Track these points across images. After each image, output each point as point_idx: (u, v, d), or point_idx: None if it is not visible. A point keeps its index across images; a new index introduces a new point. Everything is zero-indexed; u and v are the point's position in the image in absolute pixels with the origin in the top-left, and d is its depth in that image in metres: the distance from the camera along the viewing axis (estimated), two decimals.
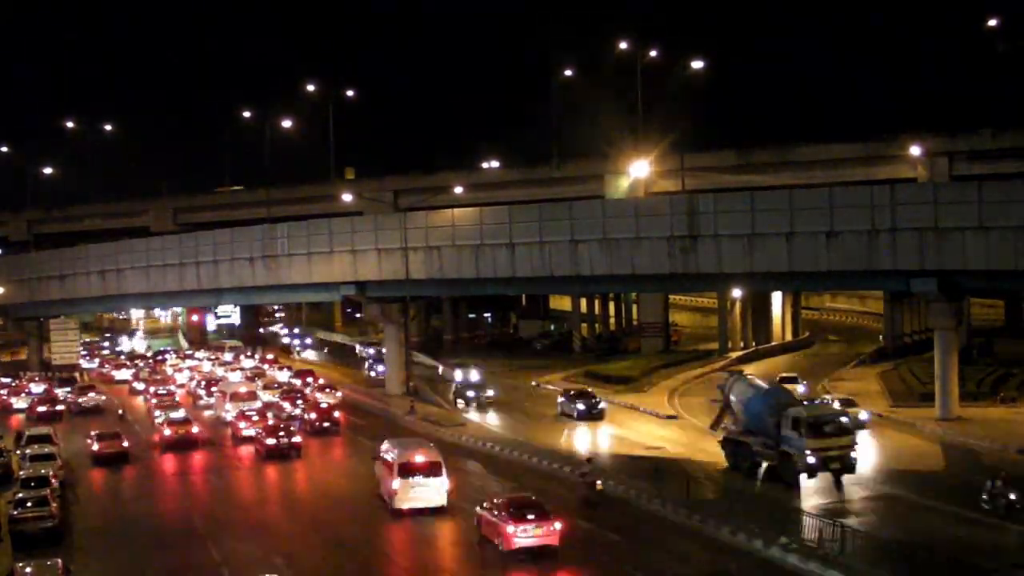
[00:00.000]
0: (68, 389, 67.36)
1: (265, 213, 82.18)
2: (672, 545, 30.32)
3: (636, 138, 73.90)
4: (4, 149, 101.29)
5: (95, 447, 45.12)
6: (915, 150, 65.66)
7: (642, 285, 64.76)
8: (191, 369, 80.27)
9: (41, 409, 59.08)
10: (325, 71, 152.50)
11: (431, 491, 34.26)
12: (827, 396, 52.85)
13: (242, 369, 77.47)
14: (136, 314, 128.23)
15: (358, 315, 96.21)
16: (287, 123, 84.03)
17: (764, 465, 37.71)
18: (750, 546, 29.35)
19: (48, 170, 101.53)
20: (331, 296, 73.64)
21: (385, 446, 37.01)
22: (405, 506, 34.15)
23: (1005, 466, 36.03)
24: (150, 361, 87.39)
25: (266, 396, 58.92)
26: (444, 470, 34.74)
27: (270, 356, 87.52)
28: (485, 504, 31.21)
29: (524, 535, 28.60)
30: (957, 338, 51.63)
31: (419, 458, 34.85)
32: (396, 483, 34.18)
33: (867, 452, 43.71)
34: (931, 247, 44.16)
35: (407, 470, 34.37)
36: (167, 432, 48.05)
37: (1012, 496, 31.24)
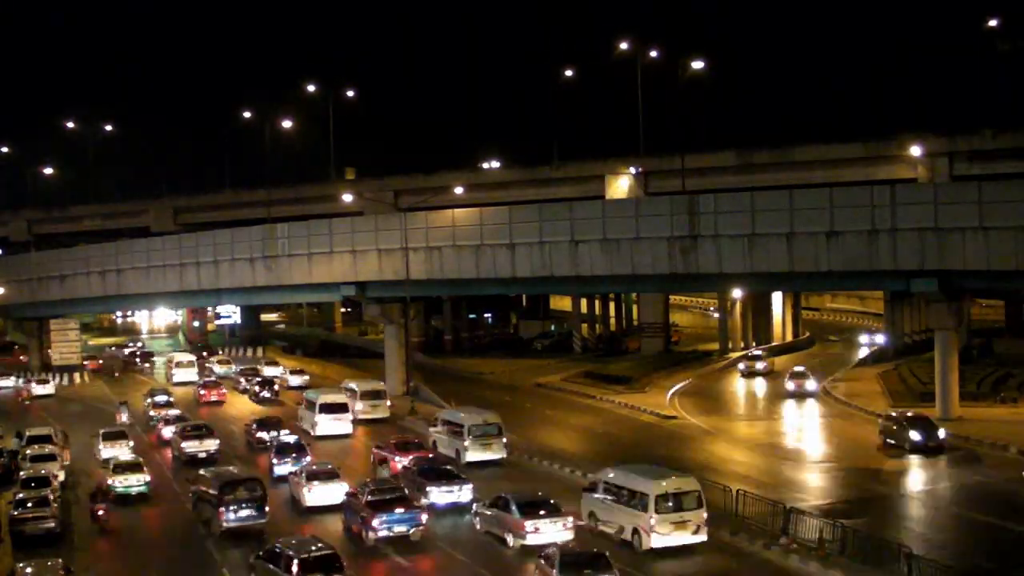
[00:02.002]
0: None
1: (265, 213, 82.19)
2: None
3: (636, 138, 74.06)
4: (4, 149, 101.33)
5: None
6: (915, 150, 65.71)
7: (642, 285, 64.78)
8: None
9: None
10: (325, 71, 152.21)
11: (342, 423, 49.00)
12: None
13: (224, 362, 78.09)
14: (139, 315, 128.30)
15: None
16: (287, 123, 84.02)
17: None
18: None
19: (48, 170, 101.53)
20: (331, 296, 73.69)
21: (309, 394, 52.59)
22: (324, 432, 48.11)
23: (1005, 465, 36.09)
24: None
25: (220, 370, 71.87)
26: (351, 409, 49.88)
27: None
28: (379, 444, 42.21)
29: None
30: (957, 338, 51.63)
31: (334, 399, 49.98)
32: (316, 417, 48.69)
33: (868, 452, 43.94)
34: (931, 247, 44.17)
35: (326, 409, 48.79)
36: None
37: None
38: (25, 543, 31.44)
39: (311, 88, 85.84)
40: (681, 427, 51.07)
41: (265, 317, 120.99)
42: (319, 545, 26.79)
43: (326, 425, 48.66)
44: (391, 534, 30.12)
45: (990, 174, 60.00)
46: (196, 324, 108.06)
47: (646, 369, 69.29)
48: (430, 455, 40.04)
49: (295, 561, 25.56)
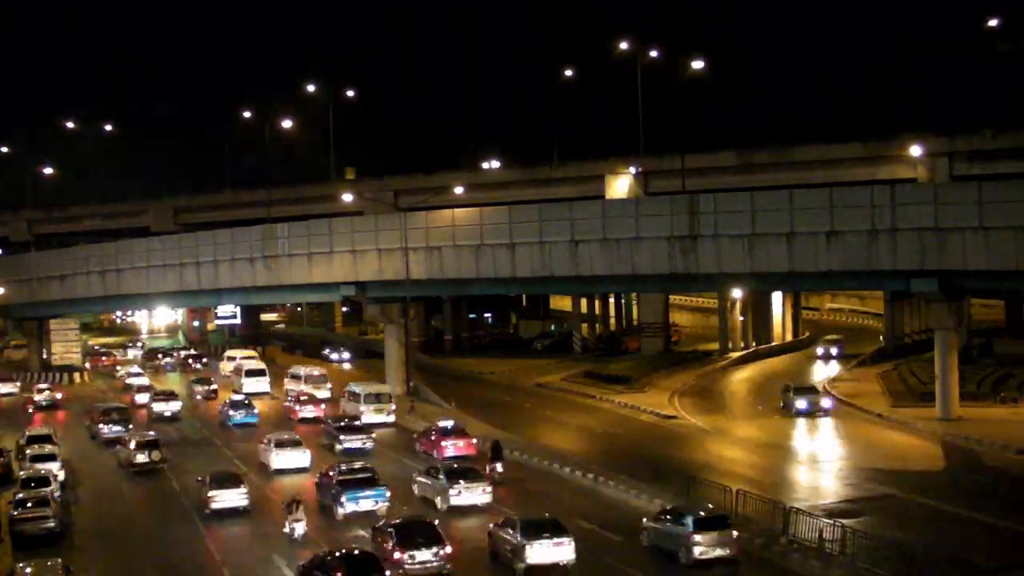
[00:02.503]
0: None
1: (265, 213, 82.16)
2: None
3: (636, 138, 74.04)
4: (4, 149, 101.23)
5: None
6: (915, 150, 65.66)
7: (642, 285, 64.77)
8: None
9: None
10: (325, 71, 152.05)
11: (262, 383, 64.83)
12: None
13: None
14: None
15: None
16: (287, 123, 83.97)
17: None
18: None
19: (48, 170, 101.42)
20: (331, 296, 73.66)
21: (234, 365, 71.07)
22: (247, 391, 62.17)
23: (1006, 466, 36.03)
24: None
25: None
26: (267, 374, 65.96)
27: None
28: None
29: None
30: (957, 338, 51.63)
31: (254, 366, 67.91)
32: (242, 380, 64.94)
33: (868, 452, 43.98)
34: (931, 247, 44.17)
35: (249, 374, 65.62)
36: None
37: None
38: (25, 543, 31.40)
39: (311, 88, 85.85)
40: (681, 427, 51.11)
41: (265, 317, 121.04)
42: (150, 433, 43.85)
43: (250, 385, 64.17)
44: (358, 508, 33.99)
45: (990, 174, 59.95)
46: (196, 324, 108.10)
47: (646, 369, 69.29)
48: (321, 405, 54.92)
49: (133, 440, 42.24)
